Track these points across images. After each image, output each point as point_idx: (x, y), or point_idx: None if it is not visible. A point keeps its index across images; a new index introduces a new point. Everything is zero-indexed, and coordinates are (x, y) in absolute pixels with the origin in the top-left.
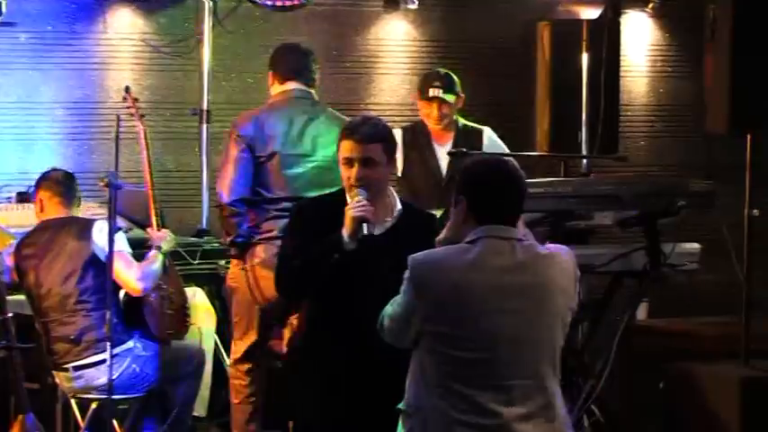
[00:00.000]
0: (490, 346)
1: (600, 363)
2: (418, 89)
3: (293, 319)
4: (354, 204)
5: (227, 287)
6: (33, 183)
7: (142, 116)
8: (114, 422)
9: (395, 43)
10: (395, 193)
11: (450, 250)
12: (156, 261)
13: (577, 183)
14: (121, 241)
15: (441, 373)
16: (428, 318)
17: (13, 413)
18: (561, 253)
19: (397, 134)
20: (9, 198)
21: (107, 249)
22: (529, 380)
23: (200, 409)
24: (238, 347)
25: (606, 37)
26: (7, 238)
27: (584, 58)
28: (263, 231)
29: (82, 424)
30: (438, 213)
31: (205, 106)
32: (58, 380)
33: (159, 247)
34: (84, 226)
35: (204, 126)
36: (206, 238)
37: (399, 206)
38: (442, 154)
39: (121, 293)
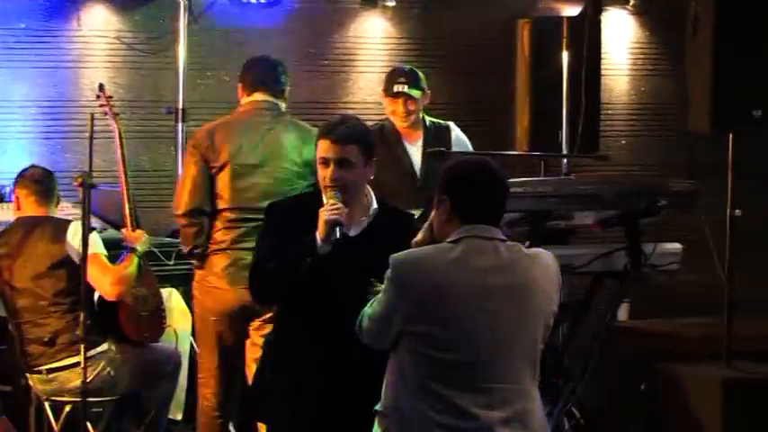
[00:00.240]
0: (472, 347)
1: (581, 364)
2: (383, 87)
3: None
4: (328, 207)
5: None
6: (5, 182)
7: (116, 115)
8: (88, 425)
9: (372, 41)
10: (372, 193)
11: (433, 250)
12: (131, 264)
13: (557, 182)
14: (97, 244)
15: (420, 373)
16: (410, 318)
17: None
18: (545, 255)
19: None
20: None
21: (82, 252)
22: (509, 383)
23: (175, 413)
24: (203, 365)
25: (587, 34)
26: None
27: (565, 55)
28: (215, 242)
29: (56, 427)
30: (416, 213)
31: (180, 105)
32: (31, 382)
33: (134, 249)
34: (60, 226)
35: (180, 125)
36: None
37: (375, 205)
38: (414, 152)
39: (96, 295)
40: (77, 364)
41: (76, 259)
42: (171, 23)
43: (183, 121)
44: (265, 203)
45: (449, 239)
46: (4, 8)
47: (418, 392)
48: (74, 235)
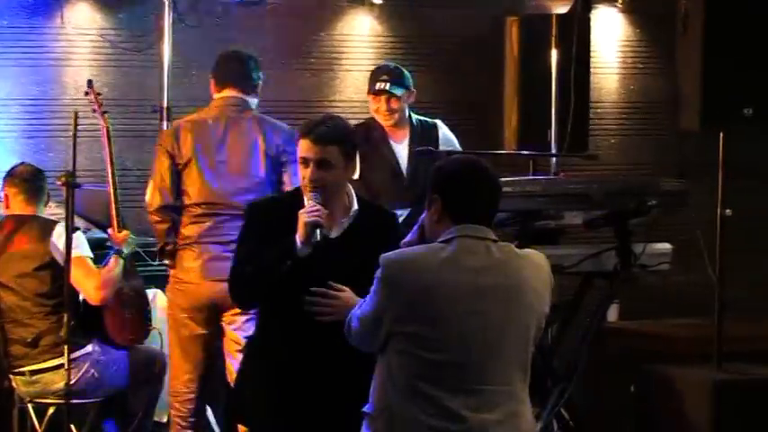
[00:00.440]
0: (462, 347)
1: (570, 365)
2: (368, 84)
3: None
4: (307, 209)
5: None
6: None
7: (104, 112)
8: (72, 428)
9: (360, 39)
10: (353, 193)
11: (424, 249)
12: (116, 267)
13: (546, 182)
14: (82, 246)
15: (409, 374)
16: (399, 318)
17: None
18: (536, 255)
19: None
20: None
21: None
22: (499, 385)
23: (161, 415)
24: (174, 372)
25: (576, 32)
26: None
27: (554, 54)
28: (183, 237)
29: (39, 429)
30: (403, 213)
31: (165, 103)
32: (14, 384)
33: (120, 252)
34: (46, 227)
35: (164, 123)
36: None
37: (356, 206)
38: (400, 151)
39: (81, 296)
40: (61, 365)
41: (61, 261)
42: (155, 21)
43: (168, 119)
44: (231, 199)
45: (440, 239)
46: None
47: (407, 393)
48: (59, 236)
